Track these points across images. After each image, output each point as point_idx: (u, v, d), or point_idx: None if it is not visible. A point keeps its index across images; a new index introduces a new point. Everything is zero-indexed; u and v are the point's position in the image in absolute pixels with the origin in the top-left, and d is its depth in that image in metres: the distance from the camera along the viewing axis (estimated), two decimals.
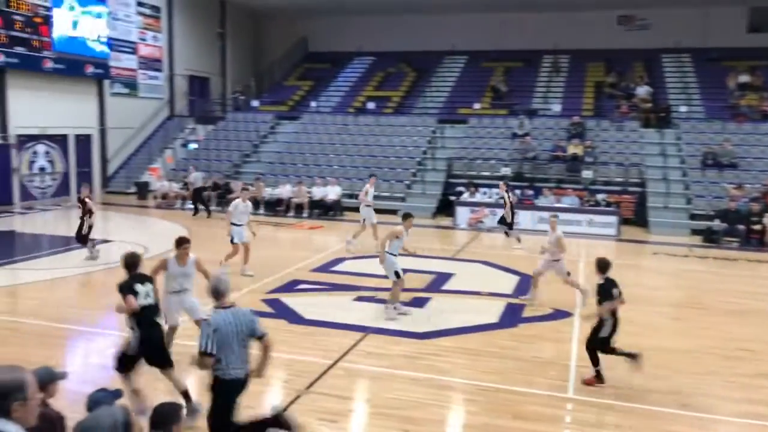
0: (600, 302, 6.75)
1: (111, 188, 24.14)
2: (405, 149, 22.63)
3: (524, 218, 17.99)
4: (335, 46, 30.82)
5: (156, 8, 26.31)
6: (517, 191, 19.37)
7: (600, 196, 18.84)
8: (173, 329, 7.28)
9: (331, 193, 19.55)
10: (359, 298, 10.23)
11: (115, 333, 8.27)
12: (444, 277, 11.88)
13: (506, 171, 20.38)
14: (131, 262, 6.03)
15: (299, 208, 19.48)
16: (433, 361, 7.47)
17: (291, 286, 10.88)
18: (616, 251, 16.14)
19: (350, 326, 8.66)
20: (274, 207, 19.84)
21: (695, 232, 17.49)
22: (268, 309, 9.47)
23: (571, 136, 21.72)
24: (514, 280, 11.81)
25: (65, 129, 22.26)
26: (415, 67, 29.22)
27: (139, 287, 5.88)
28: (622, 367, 7.46)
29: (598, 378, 6.87)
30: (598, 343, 6.83)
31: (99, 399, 3.84)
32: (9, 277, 11.39)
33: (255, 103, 27.59)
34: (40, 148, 21.52)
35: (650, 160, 20.43)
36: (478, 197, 19.19)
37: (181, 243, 7.20)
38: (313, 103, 26.79)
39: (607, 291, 6.73)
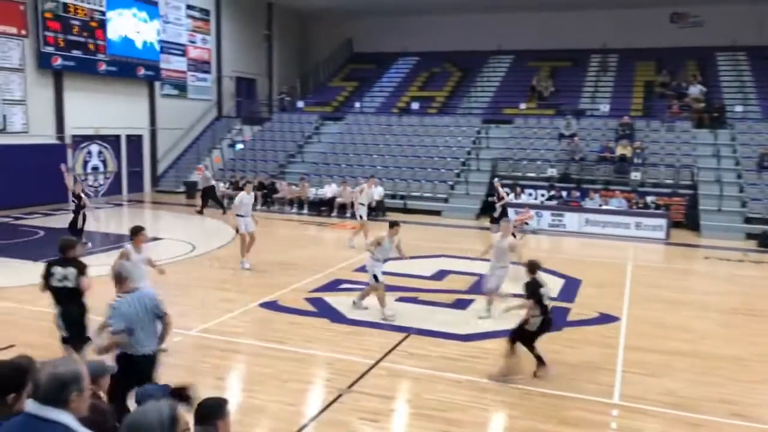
0: (528, 299, 7.08)
1: (160, 187, 24.78)
2: (449, 149, 22.53)
3: (570, 220, 17.70)
4: (380, 47, 30.91)
5: (205, 11, 26.88)
6: (563, 192, 19.11)
7: (649, 199, 18.38)
8: None
9: (375, 193, 19.56)
10: (401, 299, 10.23)
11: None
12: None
13: (552, 172, 20.09)
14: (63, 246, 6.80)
15: (342, 208, 19.61)
16: (475, 364, 7.41)
17: (334, 286, 10.96)
18: (665, 255, 15.73)
19: (392, 326, 8.67)
20: (318, 207, 20.02)
21: (750, 236, 16.89)
22: (310, 308, 9.56)
23: (619, 136, 21.26)
24: (559, 283, 11.61)
25: (118, 130, 22.97)
26: (460, 66, 29.07)
27: (58, 269, 6.63)
28: (670, 375, 7.27)
29: (540, 362, 7.04)
30: (522, 337, 7.02)
31: (148, 393, 3.95)
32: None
33: (300, 104, 27.90)
34: (94, 148, 22.26)
35: (703, 162, 19.82)
36: (523, 199, 18.95)
37: (137, 232, 7.91)
38: (357, 104, 26.93)
39: (533, 290, 7.06)
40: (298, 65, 33.08)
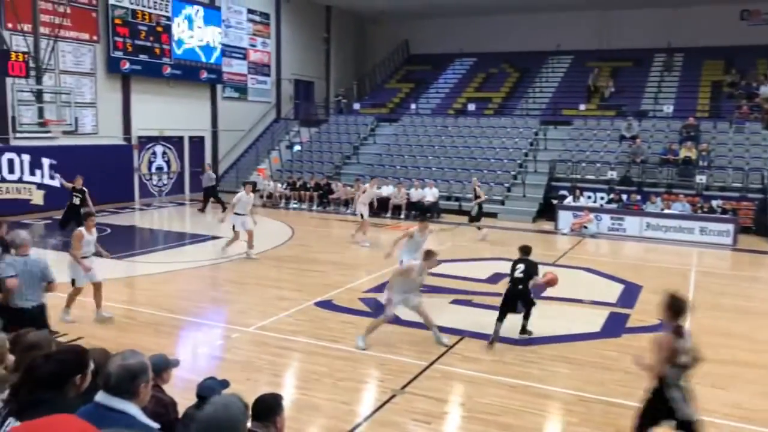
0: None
1: (221, 188, 25.37)
2: (506, 151, 22.28)
3: (631, 224, 17.22)
4: (436, 48, 30.85)
5: (265, 15, 27.44)
6: (624, 196, 18.62)
7: (714, 203, 17.69)
8: (98, 286, 8.87)
9: (429, 195, 19.58)
10: (455, 301, 10.18)
11: (222, 325, 8.72)
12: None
13: (612, 175, 19.59)
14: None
15: (397, 209, 19.66)
16: (530, 368, 7.31)
17: None
18: (731, 261, 15.11)
19: (446, 329, 8.63)
20: (373, 208, 20.13)
21: None
22: (364, 308, 9.63)
23: (683, 138, 20.55)
24: (619, 288, 11.33)
25: (181, 131, 23.74)
26: (517, 67, 28.72)
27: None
28: (736, 386, 7.00)
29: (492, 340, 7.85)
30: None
31: (212, 387, 4.07)
32: (128, 269, 12.27)
33: (356, 105, 28.13)
34: (158, 148, 23.06)
35: None
36: (582, 201, 18.55)
37: (88, 216, 9.55)
38: (413, 105, 26.96)
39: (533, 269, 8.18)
40: (354, 67, 33.36)
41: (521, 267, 8.29)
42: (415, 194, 19.71)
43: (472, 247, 15.09)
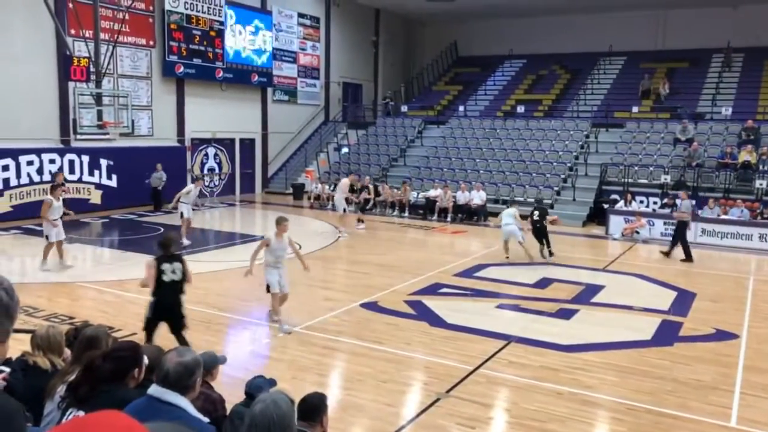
0: None
1: (270, 189, 25.86)
2: (555, 154, 21.94)
3: None
4: (486, 50, 30.64)
5: (315, 19, 27.78)
6: (678, 201, 18.04)
7: None
8: (60, 243, 11.70)
9: (477, 198, 19.44)
10: (501, 306, 10.09)
11: (269, 324, 8.86)
12: (593, 289, 11.36)
13: (666, 179, 19.05)
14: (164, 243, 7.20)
15: (443, 212, 19.59)
16: (578, 375, 7.18)
17: (433, 289, 10.98)
18: None
19: (492, 333, 8.57)
20: (419, 210, 20.14)
21: None
22: (410, 310, 9.63)
23: (742, 141, 19.82)
24: (671, 295, 11.01)
25: (232, 133, 24.25)
26: (568, 69, 28.26)
27: (166, 266, 6.92)
28: None
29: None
30: None
31: (261, 385, 4.16)
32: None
33: (404, 108, 28.18)
34: (211, 150, 23.62)
35: None
36: (634, 206, 18.09)
37: (57, 187, 12.17)
38: (461, 108, 26.83)
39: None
40: (403, 70, 33.43)
41: (536, 213, 13.32)
42: (462, 197, 19.60)
43: (520, 251, 14.92)
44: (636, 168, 19.99)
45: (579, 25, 28.32)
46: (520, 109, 25.35)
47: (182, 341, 6.72)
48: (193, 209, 15.33)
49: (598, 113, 24.24)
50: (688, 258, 14.15)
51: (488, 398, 6.61)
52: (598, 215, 18.86)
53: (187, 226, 14.74)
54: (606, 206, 18.58)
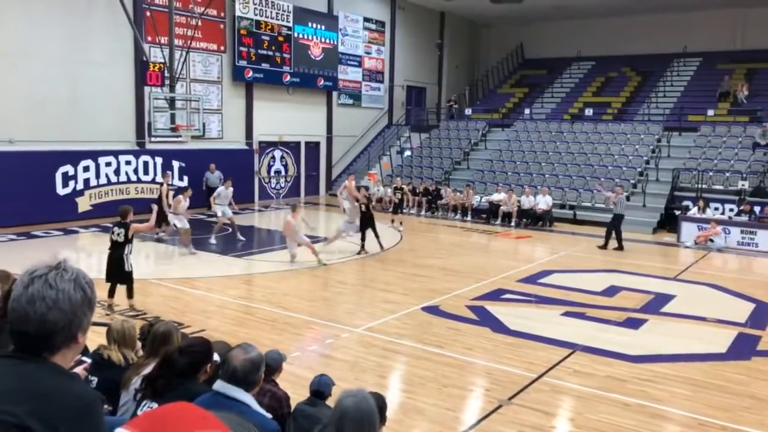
0: None
1: (334, 191, 26.15)
2: (625, 158, 21.30)
3: (763, 239, 15.91)
4: (553, 52, 30.08)
5: (381, 23, 27.98)
6: (756, 208, 17.22)
7: None
8: None
9: (542, 202, 19.09)
10: (567, 313, 9.87)
11: (332, 324, 8.98)
12: (663, 298, 10.96)
13: (743, 185, 18.19)
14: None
15: (507, 216, 19.34)
16: (646, 387, 6.94)
17: (496, 295, 10.86)
18: None
19: (556, 341, 8.39)
20: (482, 214, 19.95)
21: None
22: (471, 315, 9.56)
23: None
24: (748, 307, 10.49)
25: (298, 136, 24.72)
26: (639, 71, 27.41)
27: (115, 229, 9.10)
28: None
29: None
30: None
31: (329, 384, 4.24)
32: (247, 267, 12.94)
33: (468, 111, 27.99)
34: (277, 153, 24.15)
35: None
36: (709, 213, 17.36)
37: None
38: (526, 110, 26.43)
39: None
40: (467, 72, 33.22)
41: None
42: (527, 201, 19.30)
43: (587, 258, 14.57)
44: (711, 173, 19.18)
45: (650, 25, 27.42)
46: (588, 112, 24.75)
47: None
48: (231, 211, 15.87)
49: (670, 116, 23.38)
50: (620, 247, 15.26)
51: (551, 407, 6.48)
52: (669, 222, 18.19)
53: (221, 225, 15.42)
54: (678, 213, 17.90)
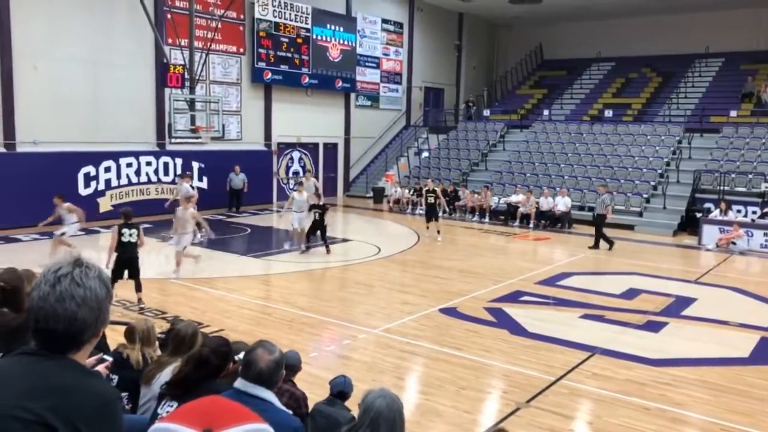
0: None
1: (351, 192, 26.25)
2: (645, 160, 21.09)
3: None
4: (572, 53, 29.89)
5: (399, 24, 27.99)
6: None
7: None
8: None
9: (561, 204, 18.96)
10: (586, 316, 9.79)
11: (349, 325, 9.00)
12: (684, 301, 10.83)
13: (767, 187, 17.92)
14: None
15: (525, 218, 19.23)
16: (667, 391, 6.87)
17: (514, 297, 10.80)
18: None
19: (575, 344, 8.33)
20: (500, 216, 19.86)
21: None
22: (489, 317, 9.52)
23: None
24: None
25: (316, 138, 24.81)
26: (660, 71, 27.13)
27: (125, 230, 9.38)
28: None
29: None
30: None
31: (350, 384, 4.26)
32: (264, 267, 13.02)
33: (486, 112, 27.90)
34: (295, 154, 24.26)
35: None
36: (731, 215, 17.13)
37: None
38: (545, 112, 26.28)
39: None
40: (486, 74, 33.11)
41: None
42: (545, 203, 19.18)
43: (606, 260, 14.45)
44: (733, 175, 18.92)
45: (671, 25, 27.13)
46: (608, 113, 24.55)
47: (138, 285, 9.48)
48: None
49: (692, 118, 23.11)
50: (596, 246, 15.53)
51: (570, 410, 6.44)
52: (690, 224, 17.98)
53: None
54: (699, 215, 17.68)
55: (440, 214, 16.56)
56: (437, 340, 8.38)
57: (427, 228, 16.46)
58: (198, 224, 12.33)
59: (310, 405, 4.36)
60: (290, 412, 3.09)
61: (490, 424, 6.07)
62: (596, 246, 15.55)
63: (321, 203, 14.38)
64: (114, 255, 9.44)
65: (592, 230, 16.12)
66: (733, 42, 25.76)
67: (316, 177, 25.08)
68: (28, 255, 12.34)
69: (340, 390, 4.24)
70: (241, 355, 3.06)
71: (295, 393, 4.22)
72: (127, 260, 9.38)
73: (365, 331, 8.71)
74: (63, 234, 12.47)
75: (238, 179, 20.48)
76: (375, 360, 7.66)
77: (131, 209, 10.02)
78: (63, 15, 16.82)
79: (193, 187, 16.22)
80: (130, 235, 9.38)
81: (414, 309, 9.81)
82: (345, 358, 7.81)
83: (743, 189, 18.51)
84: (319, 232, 14.05)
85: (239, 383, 2.89)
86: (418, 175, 23.82)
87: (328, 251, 13.97)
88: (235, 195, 20.58)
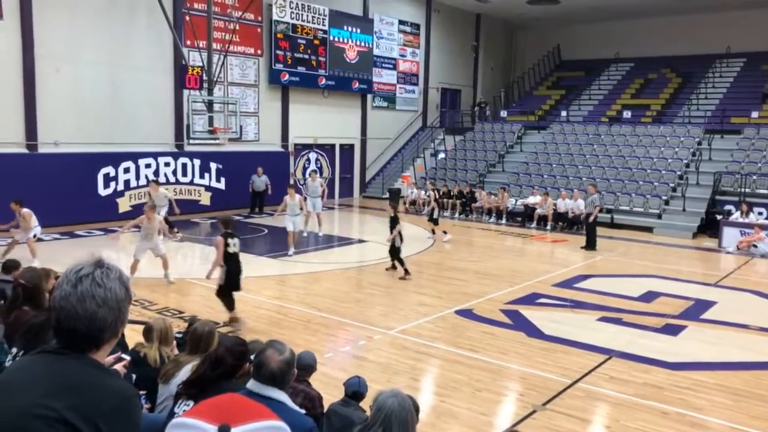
0: None
1: (367, 193, 26.28)
2: (664, 161, 20.87)
3: None
4: (590, 54, 29.69)
5: (416, 25, 27.98)
6: None
7: None
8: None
9: (578, 206, 18.79)
10: (603, 319, 9.71)
11: (365, 326, 9.00)
12: (703, 304, 10.70)
13: None
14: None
15: (543, 219, 19.12)
16: (686, 395, 6.79)
17: (531, 299, 10.74)
18: None
19: (592, 347, 8.27)
20: (517, 217, 19.76)
21: None
22: (506, 319, 9.48)
23: None
24: None
25: (333, 139, 24.88)
26: (679, 72, 26.85)
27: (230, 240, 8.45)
28: None
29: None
30: None
31: (365, 385, 4.27)
32: (281, 268, 13.06)
33: (503, 113, 27.79)
34: (312, 155, 24.34)
35: None
36: (752, 218, 16.89)
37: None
38: (563, 113, 26.12)
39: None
40: (503, 75, 32.99)
41: None
42: (563, 205, 19.04)
43: (624, 263, 14.32)
44: (754, 177, 18.66)
45: (691, 25, 26.84)
46: (627, 114, 24.35)
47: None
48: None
49: (712, 119, 22.84)
50: (588, 246, 15.53)
51: (587, 413, 6.39)
52: (710, 227, 17.76)
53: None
54: (719, 217, 17.46)
55: (435, 216, 16.29)
56: (453, 342, 8.35)
57: (433, 232, 16.48)
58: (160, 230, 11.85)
59: (326, 405, 4.37)
60: (303, 411, 3.10)
61: (506, 427, 6.04)
62: (590, 246, 15.54)
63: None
64: (221, 269, 8.42)
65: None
66: (755, 42, 25.41)
67: (333, 178, 25.20)
68: (50, 255, 12.48)
69: (355, 390, 4.25)
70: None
71: (311, 393, 4.24)
72: (236, 273, 8.44)
73: (381, 332, 8.71)
74: (35, 236, 12.18)
75: (261, 181, 20.56)
76: (390, 361, 7.66)
77: (231, 215, 9.19)
78: (84, 19, 17.03)
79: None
80: (235, 245, 8.45)
81: (430, 310, 9.79)
82: (360, 359, 7.82)
83: (765, 191, 18.25)
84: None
85: (251, 384, 2.90)
86: (434, 177, 23.79)
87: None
88: (257, 196, 20.67)
